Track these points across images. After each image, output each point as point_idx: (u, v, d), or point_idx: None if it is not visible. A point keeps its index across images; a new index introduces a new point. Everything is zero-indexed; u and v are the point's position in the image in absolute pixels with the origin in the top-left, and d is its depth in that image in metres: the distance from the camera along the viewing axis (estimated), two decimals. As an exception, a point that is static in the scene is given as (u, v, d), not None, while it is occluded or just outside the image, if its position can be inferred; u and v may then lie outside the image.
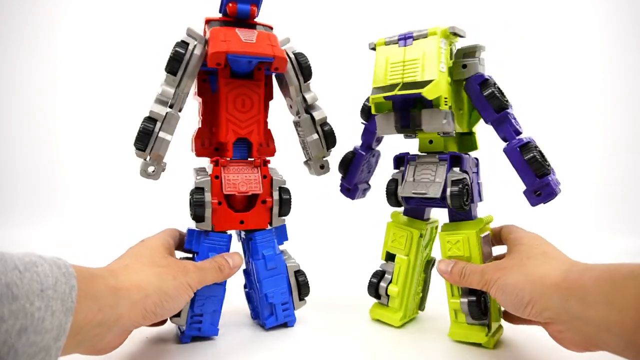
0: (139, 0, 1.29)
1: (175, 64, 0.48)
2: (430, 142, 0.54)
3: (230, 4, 0.48)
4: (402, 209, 0.57)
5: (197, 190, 0.49)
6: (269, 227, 0.54)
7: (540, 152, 0.47)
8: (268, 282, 0.53)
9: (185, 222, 0.55)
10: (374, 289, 0.57)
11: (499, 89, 0.49)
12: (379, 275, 0.57)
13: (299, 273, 0.55)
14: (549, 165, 0.47)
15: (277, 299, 0.54)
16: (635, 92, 1.24)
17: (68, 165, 1.26)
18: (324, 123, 0.56)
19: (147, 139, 0.49)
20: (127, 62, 1.27)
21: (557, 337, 0.40)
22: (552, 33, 1.27)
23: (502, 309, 0.51)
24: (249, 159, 0.54)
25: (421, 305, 0.59)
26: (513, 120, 0.48)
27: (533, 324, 0.46)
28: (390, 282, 0.55)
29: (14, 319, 0.28)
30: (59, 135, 1.28)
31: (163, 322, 0.52)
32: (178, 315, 0.49)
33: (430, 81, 0.46)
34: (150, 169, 0.50)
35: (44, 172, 1.26)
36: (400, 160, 0.55)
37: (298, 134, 0.58)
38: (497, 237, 0.52)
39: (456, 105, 0.50)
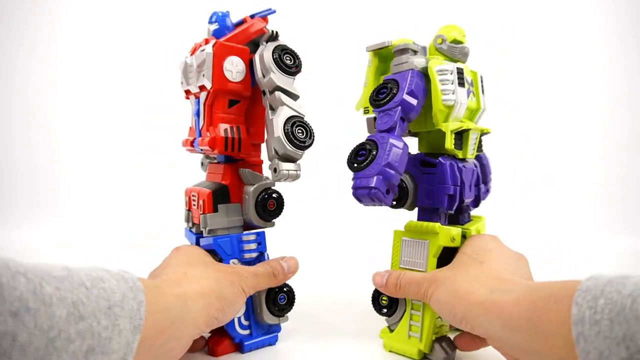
0: (138, 0, 1.29)
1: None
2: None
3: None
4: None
5: (276, 191, 0.51)
6: None
7: (366, 148, 0.45)
8: None
9: (183, 222, 0.55)
10: None
11: (389, 87, 0.47)
12: None
13: None
14: (362, 162, 0.44)
15: None
16: (635, 92, 1.24)
17: (68, 165, 1.26)
18: None
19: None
20: (127, 62, 1.27)
21: (504, 355, 0.38)
22: (550, 33, 1.26)
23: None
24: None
25: None
26: (380, 120, 0.47)
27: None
28: None
29: (81, 339, 0.26)
30: (59, 135, 1.28)
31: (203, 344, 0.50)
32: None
33: None
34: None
35: (44, 172, 1.26)
36: None
37: None
38: None
39: None
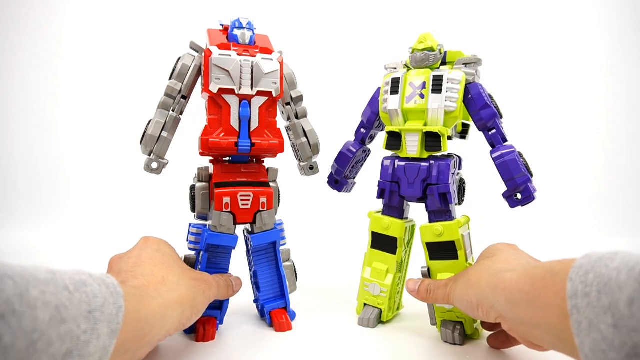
0: (139, 0, 1.29)
1: None
2: None
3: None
4: None
5: None
6: None
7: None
8: None
9: (184, 222, 0.55)
10: None
11: None
12: None
13: None
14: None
15: None
16: (635, 92, 1.24)
17: (68, 166, 1.26)
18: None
19: None
20: (127, 62, 1.27)
21: (513, 334, 0.40)
22: (550, 34, 1.26)
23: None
24: None
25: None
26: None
27: (499, 328, 0.48)
28: None
29: (60, 342, 0.27)
30: (59, 136, 1.28)
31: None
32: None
33: None
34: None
35: (44, 173, 1.26)
36: None
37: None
38: None
39: None
